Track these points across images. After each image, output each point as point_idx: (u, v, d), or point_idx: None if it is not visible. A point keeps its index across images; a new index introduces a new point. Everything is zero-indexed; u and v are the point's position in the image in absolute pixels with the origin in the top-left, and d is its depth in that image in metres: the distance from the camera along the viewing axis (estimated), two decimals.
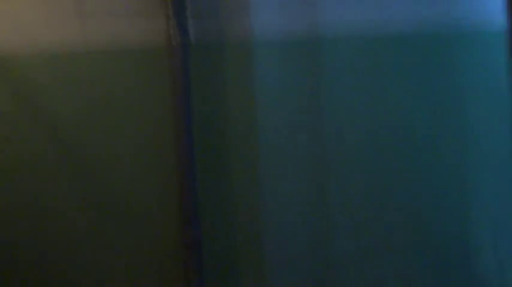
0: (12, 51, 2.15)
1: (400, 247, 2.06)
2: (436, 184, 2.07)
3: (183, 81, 2.02)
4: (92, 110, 2.14)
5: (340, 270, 2.06)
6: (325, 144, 2.08)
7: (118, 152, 2.15)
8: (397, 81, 2.09)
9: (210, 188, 2.14)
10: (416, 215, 2.06)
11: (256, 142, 2.06)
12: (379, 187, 2.07)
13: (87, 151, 2.16)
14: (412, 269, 2.07)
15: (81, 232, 2.16)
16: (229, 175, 2.15)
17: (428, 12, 2.02)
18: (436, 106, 2.08)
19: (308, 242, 2.06)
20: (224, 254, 2.07)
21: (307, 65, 2.07)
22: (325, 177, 2.08)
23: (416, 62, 2.06)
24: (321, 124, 2.08)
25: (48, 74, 2.14)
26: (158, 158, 2.15)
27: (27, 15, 2.15)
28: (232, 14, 2.06)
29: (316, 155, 2.07)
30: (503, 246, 2.09)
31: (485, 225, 2.07)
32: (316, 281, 2.16)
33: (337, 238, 2.05)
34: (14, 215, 2.15)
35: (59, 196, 2.16)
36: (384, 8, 2.02)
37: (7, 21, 2.14)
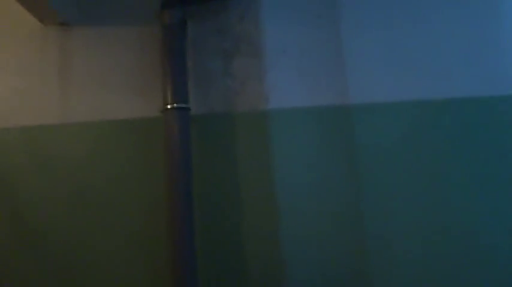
0: None
1: None
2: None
3: (182, 159, 1.70)
4: (71, 192, 1.82)
5: None
6: (365, 241, 1.75)
7: (103, 244, 1.78)
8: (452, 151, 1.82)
9: None
10: None
11: (276, 231, 1.74)
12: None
13: (63, 240, 1.79)
14: None
15: None
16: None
17: (459, 80, 1.85)
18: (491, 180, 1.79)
19: None
20: None
21: (335, 137, 1.82)
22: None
23: (462, 128, 1.83)
24: (359, 215, 1.78)
25: (23, 150, 1.84)
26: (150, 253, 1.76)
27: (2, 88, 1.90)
28: (244, 80, 1.86)
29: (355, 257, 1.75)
30: None
31: None
32: None
33: None
34: None
35: None
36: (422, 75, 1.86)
37: None
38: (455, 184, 1.79)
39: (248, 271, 1.73)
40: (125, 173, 1.81)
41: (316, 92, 1.85)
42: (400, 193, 1.78)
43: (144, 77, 1.87)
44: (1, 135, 1.87)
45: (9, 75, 1.91)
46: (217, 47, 1.89)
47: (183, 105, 1.73)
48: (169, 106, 1.72)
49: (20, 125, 1.86)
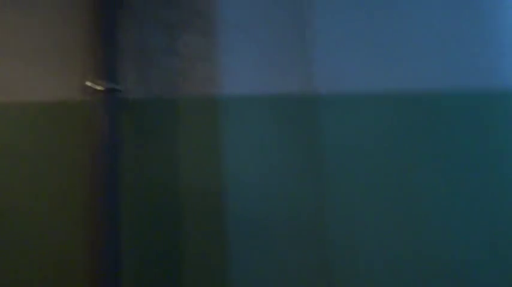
0: None
1: None
2: None
3: (108, 154, 1.50)
4: None
5: None
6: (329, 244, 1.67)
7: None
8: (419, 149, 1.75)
9: None
10: None
11: (223, 241, 1.63)
12: None
13: None
14: None
15: None
16: None
17: (435, 71, 1.79)
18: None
19: None
20: None
21: (297, 131, 1.72)
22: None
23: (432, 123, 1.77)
24: (322, 223, 1.68)
25: None
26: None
27: None
28: (191, 60, 1.74)
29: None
30: None
31: None
32: None
33: None
34: None
35: None
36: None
37: None
38: (435, 190, 1.70)
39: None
40: (34, 172, 1.60)
41: (277, 77, 1.74)
42: (370, 198, 1.69)
43: (63, 49, 1.66)
44: None
45: None
46: (161, 19, 1.72)
47: (112, 85, 1.52)
48: (94, 86, 1.50)
49: None
